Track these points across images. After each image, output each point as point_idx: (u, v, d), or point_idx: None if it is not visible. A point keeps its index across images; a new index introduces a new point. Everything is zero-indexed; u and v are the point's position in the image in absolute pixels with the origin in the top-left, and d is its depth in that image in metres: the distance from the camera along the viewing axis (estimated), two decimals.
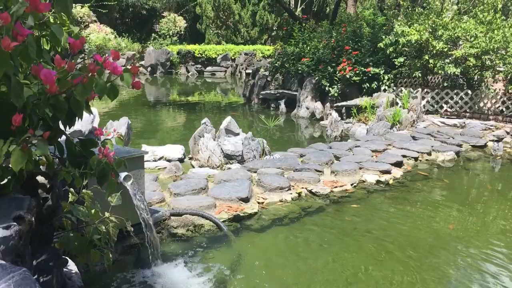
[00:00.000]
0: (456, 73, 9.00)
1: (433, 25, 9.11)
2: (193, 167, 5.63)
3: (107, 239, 1.93)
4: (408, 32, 9.08)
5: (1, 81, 1.16)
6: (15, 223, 1.22)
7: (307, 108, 10.61)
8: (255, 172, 5.21)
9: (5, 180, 1.41)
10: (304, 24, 13.52)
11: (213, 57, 23.97)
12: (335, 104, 10.10)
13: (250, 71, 21.23)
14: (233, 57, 24.14)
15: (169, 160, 5.66)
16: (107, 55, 1.41)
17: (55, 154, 1.63)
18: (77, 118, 1.44)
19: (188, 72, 23.49)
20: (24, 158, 1.26)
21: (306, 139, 8.88)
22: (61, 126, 1.67)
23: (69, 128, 1.47)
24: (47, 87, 1.26)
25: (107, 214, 1.95)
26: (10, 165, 1.27)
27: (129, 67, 1.54)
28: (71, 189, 1.99)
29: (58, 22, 1.50)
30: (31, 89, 1.31)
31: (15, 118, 1.22)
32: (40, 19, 1.32)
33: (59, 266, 1.69)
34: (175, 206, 4.01)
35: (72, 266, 2.17)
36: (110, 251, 2.12)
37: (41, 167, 1.62)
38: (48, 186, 1.79)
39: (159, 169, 5.50)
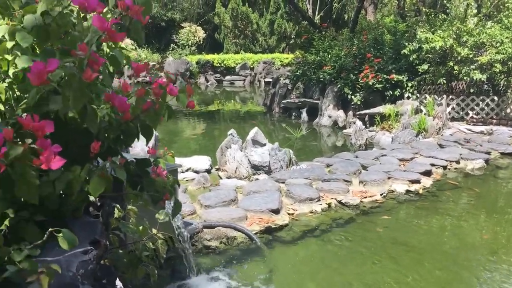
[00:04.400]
0: (482, 79, 8.87)
1: (458, 32, 9.01)
2: (221, 178, 5.64)
3: (154, 255, 1.95)
4: (432, 38, 9.00)
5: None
6: (92, 248, 1.24)
7: (330, 117, 10.57)
8: (283, 183, 5.20)
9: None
10: (324, 33, 13.51)
11: (232, 66, 24.09)
12: (357, 112, 10.05)
13: (269, 80, 21.28)
14: (251, 66, 24.22)
15: (196, 172, 5.69)
16: (162, 76, 1.44)
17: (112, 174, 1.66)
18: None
19: (207, 81, 23.65)
20: (103, 185, 1.28)
21: (330, 148, 8.84)
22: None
23: (126, 149, 1.50)
24: (120, 114, 1.29)
25: (154, 231, 1.96)
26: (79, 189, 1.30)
27: (178, 85, 1.57)
28: (117, 206, 2.01)
29: (111, 45, 1.53)
30: (99, 114, 1.33)
31: (94, 145, 1.25)
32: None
33: (111, 283, 1.71)
34: (206, 218, 4.02)
35: (117, 282, 2.19)
36: (155, 267, 2.13)
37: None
38: (98, 204, 1.82)
39: (187, 180, 5.52)
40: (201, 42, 26.80)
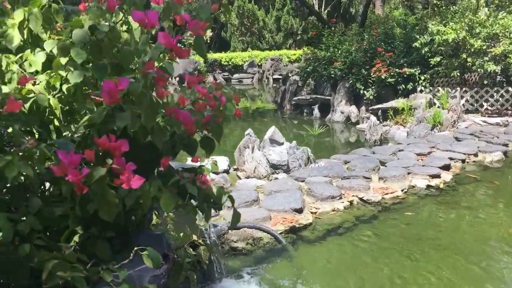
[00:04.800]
0: (496, 70, 8.80)
1: (470, 23, 8.94)
2: (240, 178, 5.65)
3: (196, 261, 1.97)
4: (444, 31, 8.94)
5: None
6: (163, 262, 1.26)
7: (342, 113, 10.55)
8: (303, 181, 5.20)
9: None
10: (333, 28, 13.46)
11: (240, 64, 24.12)
12: (370, 107, 10.02)
13: (277, 77, 21.25)
14: (259, 63, 24.21)
15: (215, 172, 5.70)
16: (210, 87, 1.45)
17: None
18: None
19: (216, 80, 23.63)
20: (174, 201, 1.30)
21: (344, 144, 8.83)
22: None
23: (173, 159, 1.52)
24: (183, 128, 1.30)
25: (194, 237, 1.98)
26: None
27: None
28: (156, 212, 2.03)
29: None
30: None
31: (164, 161, 1.26)
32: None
33: None
34: (231, 220, 4.03)
35: None
36: (194, 273, 2.14)
37: None
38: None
39: None
40: (209, 41, 26.80)
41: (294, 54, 23.32)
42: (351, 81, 10.46)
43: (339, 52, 11.34)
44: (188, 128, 1.31)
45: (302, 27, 26.34)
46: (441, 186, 5.28)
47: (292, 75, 13.35)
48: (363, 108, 10.28)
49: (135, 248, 1.13)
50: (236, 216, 1.69)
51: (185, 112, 1.31)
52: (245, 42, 27.37)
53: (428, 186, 5.22)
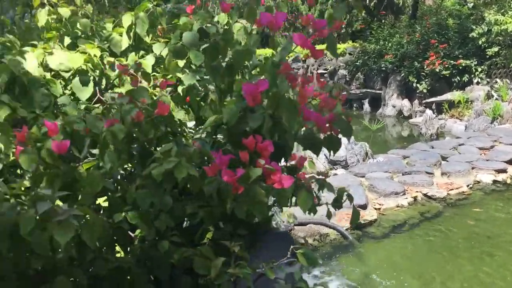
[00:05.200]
0: None
1: None
2: None
3: None
4: (503, 20, 8.59)
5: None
6: (295, 259, 1.30)
7: (394, 106, 10.35)
8: (362, 177, 5.15)
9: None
10: (383, 21, 13.22)
11: None
12: (424, 101, 9.78)
13: (322, 71, 21.04)
14: (303, 58, 24.00)
15: None
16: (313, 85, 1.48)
17: None
18: None
19: None
20: (311, 199, 1.34)
21: (398, 138, 8.67)
22: None
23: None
24: (316, 128, 1.34)
25: None
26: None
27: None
28: None
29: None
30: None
31: (301, 161, 1.31)
32: None
33: None
34: (295, 216, 4.05)
35: None
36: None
37: None
38: None
39: None
40: None
41: (338, 48, 22.98)
42: (403, 74, 10.25)
43: (390, 44, 11.12)
44: (322, 128, 1.34)
45: (346, 20, 25.92)
46: (508, 181, 5.10)
47: (339, 69, 13.22)
48: (415, 101, 10.05)
49: (291, 247, 1.17)
50: (356, 213, 1.70)
51: (316, 113, 1.34)
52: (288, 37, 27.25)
53: (495, 181, 5.06)
